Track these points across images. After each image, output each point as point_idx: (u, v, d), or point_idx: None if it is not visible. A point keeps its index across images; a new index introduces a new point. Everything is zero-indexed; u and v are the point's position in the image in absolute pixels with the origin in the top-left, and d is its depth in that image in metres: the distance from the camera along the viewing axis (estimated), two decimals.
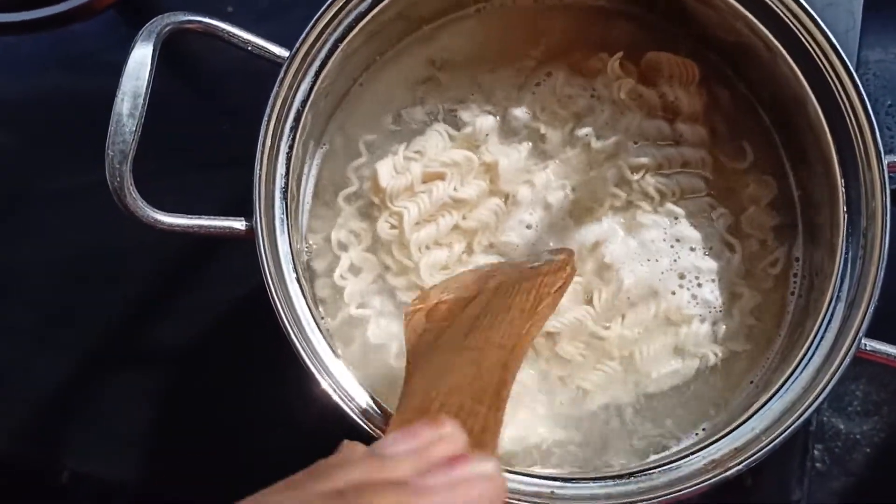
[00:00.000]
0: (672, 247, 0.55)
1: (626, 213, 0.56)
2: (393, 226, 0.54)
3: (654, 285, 0.54)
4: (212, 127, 0.64)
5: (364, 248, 0.55)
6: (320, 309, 0.53)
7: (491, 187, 0.56)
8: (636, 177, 0.55)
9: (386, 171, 0.54)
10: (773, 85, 0.55)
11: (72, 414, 0.63)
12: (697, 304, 0.54)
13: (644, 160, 0.56)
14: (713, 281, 0.55)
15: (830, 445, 0.62)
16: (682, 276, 0.55)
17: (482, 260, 0.55)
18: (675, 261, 0.55)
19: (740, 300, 0.55)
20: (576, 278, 0.54)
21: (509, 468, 0.46)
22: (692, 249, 0.55)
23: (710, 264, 0.55)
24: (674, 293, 0.54)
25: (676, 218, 0.55)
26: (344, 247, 0.55)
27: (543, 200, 0.56)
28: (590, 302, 0.54)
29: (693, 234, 0.55)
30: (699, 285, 0.55)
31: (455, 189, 0.55)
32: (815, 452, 0.62)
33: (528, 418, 0.53)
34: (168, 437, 0.62)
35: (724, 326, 0.55)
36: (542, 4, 0.59)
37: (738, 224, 0.57)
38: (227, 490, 0.59)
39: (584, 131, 0.56)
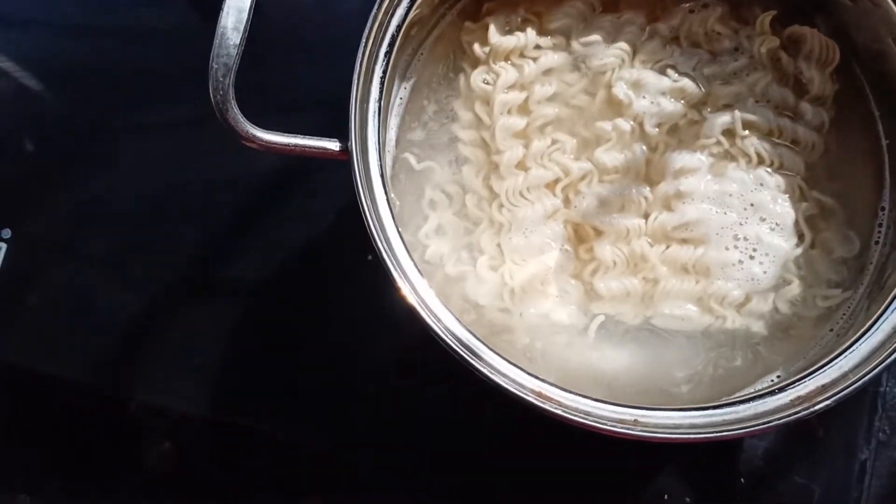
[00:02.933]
0: (745, 209, 0.54)
1: (720, 159, 0.55)
2: (487, 82, 0.55)
3: (710, 234, 0.54)
4: (305, 60, 0.65)
5: (454, 211, 0.55)
6: None
7: (601, 92, 0.56)
8: (744, 132, 0.55)
9: (498, 26, 0.55)
10: (863, 24, 0.54)
11: (143, 345, 0.64)
12: (742, 270, 0.54)
13: (758, 120, 0.55)
14: (767, 256, 0.54)
15: (892, 415, 0.61)
16: (742, 239, 0.54)
17: (565, 140, 0.55)
18: (741, 224, 0.54)
19: (784, 287, 0.54)
20: (644, 192, 0.54)
21: (593, 396, 0.46)
22: (762, 220, 0.54)
23: (774, 241, 0.54)
24: (726, 249, 0.54)
25: (762, 184, 0.55)
26: (434, 206, 0.55)
27: (649, 110, 0.55)
28: (646, 218, 0.54)
29: (770, 207, 0.54)
30: (751, 256, 0.54)
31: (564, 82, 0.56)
32: (878, 422, 0.61)
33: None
34: (237, 370, 0.63)
35: (754, 301, 0.54)
36: None
37: (817, 219, 0.56)
38: (295, 424, 0.61)
39: (711, 70, 0.56)
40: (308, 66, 0.65)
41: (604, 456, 0.58)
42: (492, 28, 0.56)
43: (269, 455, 0.63)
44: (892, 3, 0.52)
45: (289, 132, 0.48)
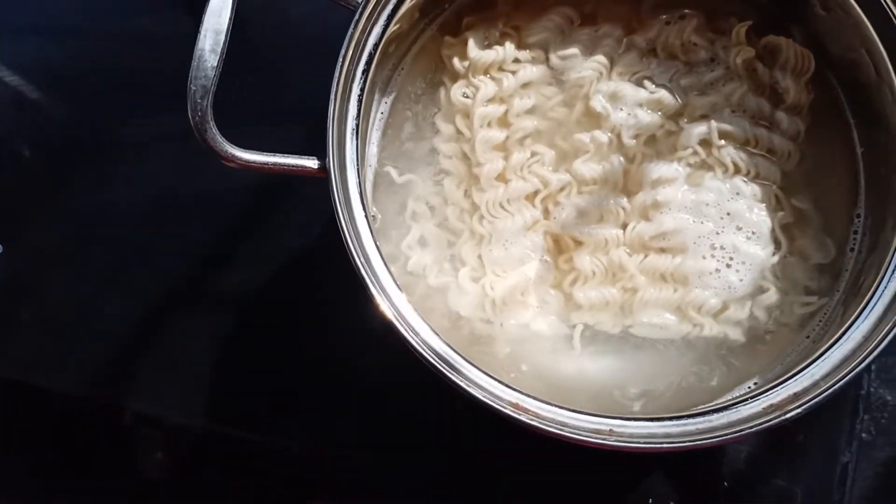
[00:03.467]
0: (722, 218, 0.55)
1: (697, 169, 0.56)
2: (467, 95, 0.56)
3: (687, 243, 0.55)
4: (284, 76, 0.65)
5: (436, 223, 0.56)
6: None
7: (579, 104, 0.57)
8: (721, 142, 0.56)
9: (477, 40, 0.56)
10: (837, 35, 0.55)
11: (137, 355, 0.65)
12: (719, 278, 0.54)
13: (734, 130, 0.56)
14: (744, 264, 0.55)
15: (877, 416, 0.62)
16: (719, 248, 0.55)
17: (544, 152, 0.56)
18: (718, 233, 0.55)
19: (761, 295, 0.55)
20: (622, 202, 0.55)
21: (569, 406, 0.47)
22: (739, 229, 0.55)
23: (750, 250, 0.55)
24: (703, 258, 0.55)
25: (739, 194, 0.55)
26: (416, 217, 0.56)
27: (627, 122, 0.56)
28: (624, 228, 0.55)
29: (747, 216, 0.55)
30: (728, 265, 0.55)
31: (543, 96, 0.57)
32: (861, 423, 0.62)
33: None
34: (232, 380, 0.64)
35: (732, 309, 0.54)
36: None
37: (793, 226, 0.56)
38: (289, 434, 0.62)
39: (687, 81, 0.57)
40: (291, 79, 0.66)
41: (590, 460, 0.59)
42: (471, 42, 0.57)
43: (262, 464, 0.64)
44: (863, 15, 0.52)
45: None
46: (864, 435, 0.62)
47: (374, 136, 0.57)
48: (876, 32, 0.52)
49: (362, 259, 0.46)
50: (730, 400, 0.48)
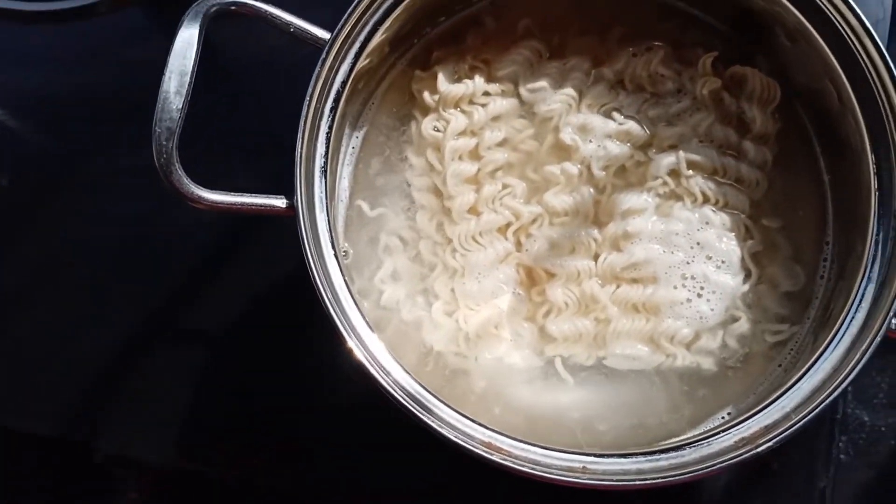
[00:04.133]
0: (692, 248, 0.56)
1: (666, 199, 0.56)
2: (437, 129, 0.56)
3: (658, 273, 0.55)
4: (253, 112, 0.65)
5: (409, 256, 0.56)
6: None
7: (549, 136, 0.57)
8: (689, 172, 0.56)
9: (447, 74, 0.56)
10: (802, 65, 0.56)
11: (108, 395, 0.64)
12: (691, 308, 0.55)
13: (702, 160, 0.56)
14: (715, 294, 0.55)
15: (855, 437, 0.63)
16: (689, 278, 0.55)
17: (515, 184, 0.56)
18: (688, 262, 0.55)
19: (733, 324, 0.55)
20: (593, 234, 0.56)
21: (541, 444, 0.47)
22: (709, 258, 0.55)
23: (721, 279, 0.55)
24: (675, 287, 0.55)
25: (708, 223, 0.56)
26: (389, 251, 0.56)
27: (596, 154, 0.56)
28: (595, 259, 0.55)
29: (716, 246, 0.55)
30: (699, 294, 0.55)
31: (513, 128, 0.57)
32: (840, 444, 0.62)
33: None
34: (204, 418, 0.63)
35: (704, 339, 0.55)
36: None
37: (763, 255, 0.57)
38: (262, 472, 0.61)
39: (655, 112, 0.57)
40: (261, 115, 0.65)
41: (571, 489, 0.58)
42: (441, 76, 0.57)
43: (236, 502, 0.63)
44: (825, 46, 0.53)
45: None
46: (842, 457, 0.62)
47: (346, 171, 0.57)
48: (838, 62, 0.53)
49: (331, 298, 0.46)
50: (701, 434, 0.48)
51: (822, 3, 0.52)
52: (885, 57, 0.50)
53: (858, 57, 0.51)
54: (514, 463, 0.45)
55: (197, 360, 0.64)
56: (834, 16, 0.52)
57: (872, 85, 0.51)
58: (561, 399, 0.55)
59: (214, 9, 0.47)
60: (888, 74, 0.50)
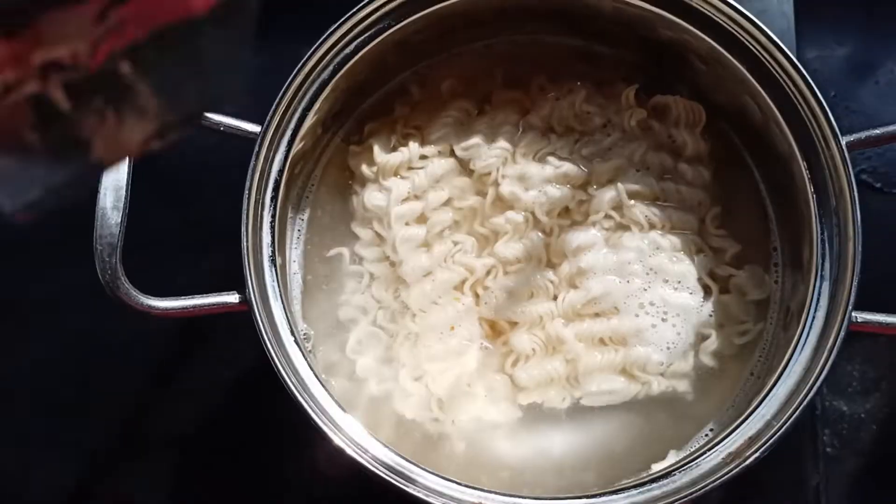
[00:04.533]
0: (647, 274, 0.56)
1: (613, 231, 0.57)
2: (379, 199, 0.57)
3: (619, 304, 0.56)
4: (194, 211, 0.65)
5: (371, 328, 0.56)
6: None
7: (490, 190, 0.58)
8: (631, 202, 0.57)
9: (381, 145, 0.57)
10: (720, 85, 0.58)
11: None
12: (657, 333, 0.55)
13: (642, 188, 0.58)
14: (678, 316, 0.56)
15: (837, 429, 0.63)
16: (649, 304, 0.56)
17: (465, 240, 0.57)
18: (645, 289, 0.56)
19: (704, 342, 0.56)
20: (549, 276, 0.56)
21: (531, 493, 0.46)
22: (665, 282, 0.56)
23: (680, 300, 0.56)
24: (636, 315, 0.55)
25: (658, 248, 0.57)
26: (350, 326, 0.56)
27: (538, 200, 0.57)
28: (555, 300, 0.56)
29: (670, 268, 0.56)
30: (663, 319, 0.56)
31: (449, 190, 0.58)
32: (825, 438, 0.62)
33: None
34: None
35: (676, 363, 0.55)
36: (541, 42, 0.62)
37: (717, 269, 0.58)
38: None
39: (588, 150, 0.58)
40: (206, 211, 0.65)
41: None
42: (376, 148, 0.58)
43: None
44: (738, 64, 0.55)
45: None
46: (828, 450, 0.62)
47: (295, 253, 0.58)
48: (752, 77, 0.55)
49: (297, 384, 0.45)
50: (689, 455, 0.48)
51: (730, 26, 0.54)
52: (796, 65, 0.53)
53: (772, 69, 0.53)
54: None
55: (171, 466, 0.63)
56: (742, 35, 0.54)
57: (790, 93, 0.53)
58: (544, 445, 0.55)
59: None
60: (802, 81, 0.52)
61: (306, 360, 0.47)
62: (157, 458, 0.63)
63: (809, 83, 0.52)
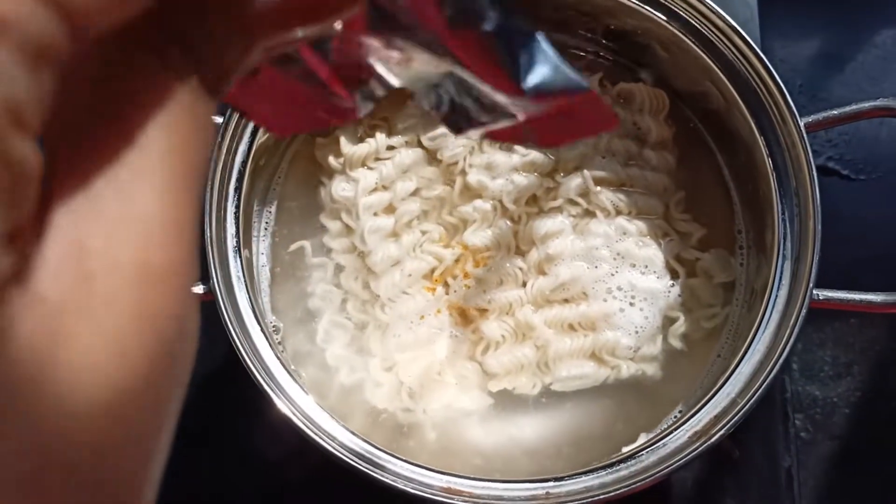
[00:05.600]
0: (615, 259, 0.57)
1: (581, 218, 0.58)
2: (347, 190, 0.57)
3: (587, 289, 0.56)
4: None
5: (340, 318, 0.56)
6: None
7: (458, 179, 0.58)
8: (597, 189, 0.57)
9: (348, 136, 0.57)
10: (683, 72, 0.59)
11: None
12: (625, 317, 0.56)
13: (607, 175, 0.58)
14: (646, 300, 0.56)
15: (811, 413, 0.64)
16: (617, 289, 0.56)
17: (433, 229, 0.57)
18: (612, 274, 0.57)
19: (672, 325, 0.56)
20: (518, 263, 0.56)
21: (503, 478, 0.46)
22: (633, 266, 0.57)
23: (648, 284, 0.56)
24: (605, 300, 0.56)
25: (625, 233, 0.57)
26: (318, 316, 0.56)
27: (506, 188, 0.57)
28: (524, 286, 0.56)
29: (637, 253, 0.57)
30: (631, 303, 0.56)
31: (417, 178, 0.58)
32: (797, 422, 0.63)
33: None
34: None
35: (644, 346, 0.56)
36: None
37: (684, 252, 0.58)
38: None
39: None
40: None
41: None
42: (342, 139, 0.58)
43: None
44: (699, 50, 0.56)
45: None
46: (802, 434, 0.63)
47: (263, 246, 0.57)
48: (713, 63, 0.56)
49: (263, 374, 0.45)
50: (656, 436, 0.48)
51: (692, 15, 0.55)
52: (757, 53, 0.53)
53: (733, 57, 0.54)
54: (477, 502, 0.44)
55: None
56: (703, 23, 0.55)
57: (750, 78, 0.54)
58: (516, 432, 0.55)
59: None
60: (761, 64, 0.53)
61: (273, 350, 0.47)
62: None
63: (768, 66, 0.53)
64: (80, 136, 0.16)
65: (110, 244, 0.15)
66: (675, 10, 0.55)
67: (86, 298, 0.15)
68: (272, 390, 0.45)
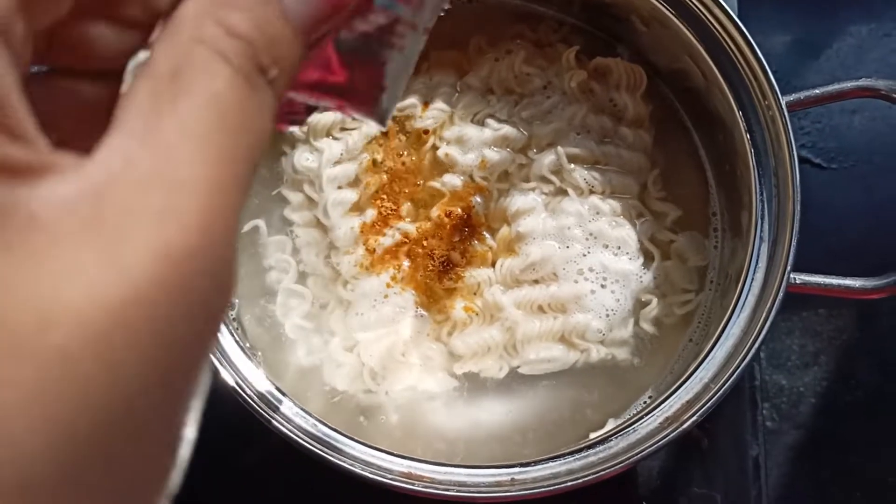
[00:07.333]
0: (587, 239, 0.55)
1: (553, 196, 0.56)
2: (310, 160, 0.54)
3: (558, 269, 0.54)
4: None
5: (299, 294, 0.54)
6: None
7: (427, 153, 0.56)
8: (570, 166, 0.55)
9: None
10: (662, 47, 0.57)
11: None
12: (596, 299, 0.54)
13: (581, 152, 0.56)
14: (618, 282, 0.54)
15: (777, 402, 0.63)
16: (588, 270, 0.54)
17: (400, 203, 0.55)
18: (584, 255, 0.55)
19: (644, 309, 0.55)
20: (487, 241, 0.55)
21: (467, 463, 0.44)
22: (605, 247, 0.55)
23: (620, 266, 0.55)
24: (576, 282, 0.54)
25: (599, 212, 0.55)
26: (278, 283, 0.54)
27: (476, 163, 0.55)
28: (493, 266, 0.54)
29: (610, 233, 0.55)
30: (603, 285, 0.54)
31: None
32: (764, 411, 0.62)
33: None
34: None
35: (614, 330, 0.54)
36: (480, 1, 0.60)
37: (658, 234, 0.57)
38: None
39: (528, 112, 0.57)
40: None
41: None
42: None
43: None
44: (680, 25, 0.54)
45: None
46: (768, 423, 0.62)
47: None
48: (696, 39, 0.54)
49: (216, 352, 0.42)
50: (626, 421, 0.47)
51: None
52: (738, 26, 0.52)
53: (714, 30, 0.53)
54: (438, 489, 0.42)
55: None
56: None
57: (731, 54, 0.52)
58: (481, 416, 0.53)
59: None
60: (743, 40, 0.52)
61: (227, 327, 0.44)
62: None
63: (750, 42, 0.51)
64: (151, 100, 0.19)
65: (146, 182, 0.18)
66: None
67: (96, 223, 0.17)
68: (225, 368, 0.42)
